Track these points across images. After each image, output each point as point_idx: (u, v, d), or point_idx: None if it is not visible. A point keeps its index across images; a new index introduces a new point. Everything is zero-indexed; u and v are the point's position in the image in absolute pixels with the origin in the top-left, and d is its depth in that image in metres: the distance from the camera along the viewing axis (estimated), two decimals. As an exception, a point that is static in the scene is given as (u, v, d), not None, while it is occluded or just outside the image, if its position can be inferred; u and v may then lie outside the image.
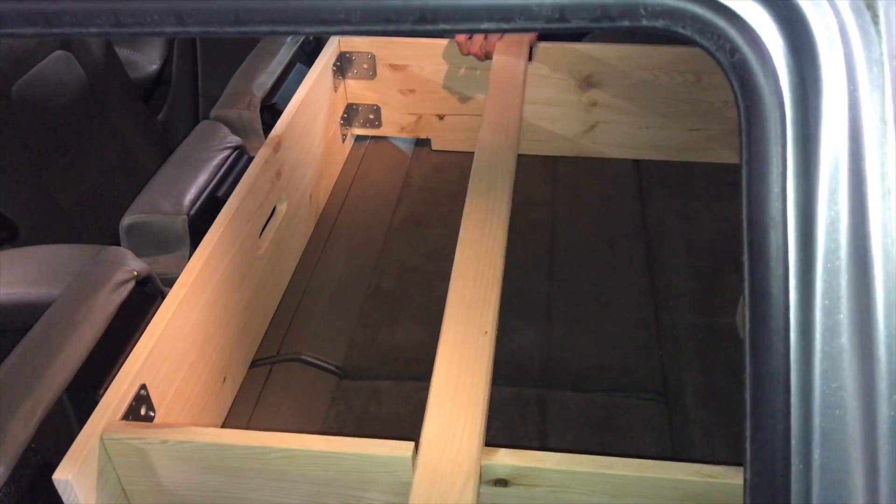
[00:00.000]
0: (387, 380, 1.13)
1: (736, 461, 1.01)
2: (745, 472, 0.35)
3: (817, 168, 0.31)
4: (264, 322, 1.19)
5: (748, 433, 0.34)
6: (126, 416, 0.81)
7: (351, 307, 1.24)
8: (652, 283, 1.26)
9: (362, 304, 1.25)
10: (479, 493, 0.72)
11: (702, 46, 0.34)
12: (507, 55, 1.39)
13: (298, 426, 1.05)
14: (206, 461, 0.77)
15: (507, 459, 0.73)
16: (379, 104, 1.56)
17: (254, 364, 1.14)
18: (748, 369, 0.34)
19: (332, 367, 1.14)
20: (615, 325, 1.19)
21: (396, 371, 1.14)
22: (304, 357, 1.15)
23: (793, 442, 0.33)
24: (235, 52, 1.63)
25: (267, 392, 1.10)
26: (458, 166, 1.55)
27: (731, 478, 0.69)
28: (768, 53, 0.31)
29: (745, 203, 0.34)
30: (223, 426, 1.05)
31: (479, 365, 0.82)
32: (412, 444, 0.75)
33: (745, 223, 0.34)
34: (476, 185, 1.08)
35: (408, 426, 1.04)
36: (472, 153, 1.54)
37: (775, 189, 0.32)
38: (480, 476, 0.73)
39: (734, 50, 0.32)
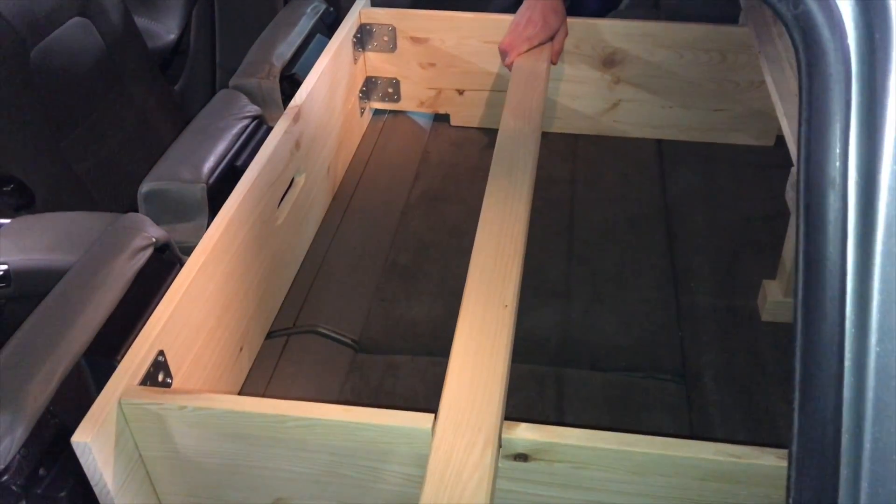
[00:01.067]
0: (403, 354, 1.12)
1: (756, 442, 1.00)
2: (791, 445, 0.34)
3: (883, 127, 0.30)
4: (281, 293, 1.19)
5: (796, 404, 0.33)
6: (144, 382, 0.80)
7: (367, 281, 1.23)
8: (672, 263, 1.24)
9: (379, 278, 1.24)
10: (497, 468, 0.71)
11: (762, -2, 0.32)
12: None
13: (314, 398, 1.04)
14: (224, 428, 0.77)
15: (527, 434, 0.72)
16: (398, 78, 1.54)
17: (270, 335, 1.14)
18: (799, 338, 0.33)
19: (349, 341, 1.14)
20: (635, 305, 1.18)
21: (413, 346, 1.13)
22: (320, 329, 1.14)
23: (844, 414, 0.32)
24: (254, 22, 1.62)
25: (283, 363, 1.09)
26: (476, 142, 1.53)
27: (756, 458, 0.68)
28: (836, 6, 0.30)
29: (802, 163, 0.32)
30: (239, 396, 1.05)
31: (499, 337, 0.82)
32: (432, 415, 0.75)
33: (800, 184, 0.33)
34: (498, 166, 1.06)
35: (423, 401, 1.04)
36: (492, 129, 1.53)
37: (836, 149, 0.31)
38: (500, 450, 0.72)
39: (798, 1, 0.30)
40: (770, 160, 1.45)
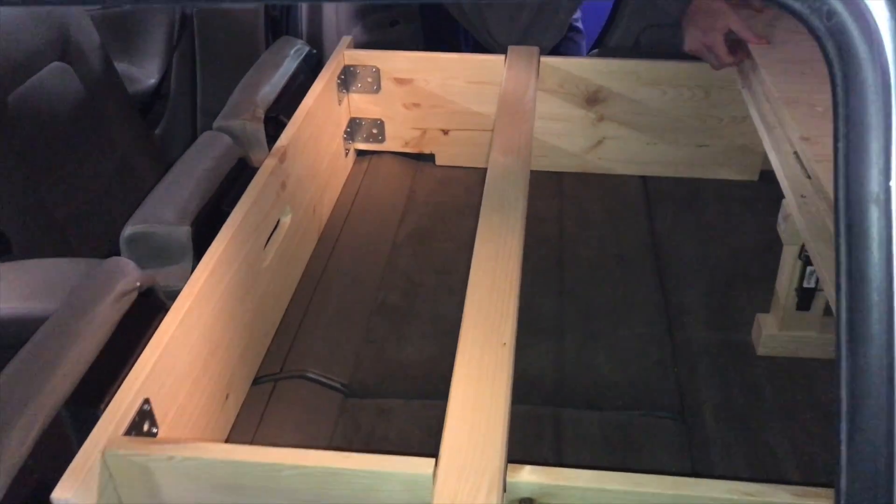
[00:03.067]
0: (395, 398, 1.09)
1: (759, 478, 0.98)
2: (838, 481, 0.32)
3: (926, 140, 0.29)
4: (267, 337, 1.16)
5: (844, 435, 0.31)
6: (129, 432, 0.77)
7: (356, 323, 1.20)
8: (664, 299, 1.23)
9: (368, 319, 1.21)
10: (502, 513, 0.68)
11: (791, 11, 0.31)
12: (516, 70, 1.37)
13: (303, 445, 1.00)
14: (215, 479, 0.73)
15: (532, 477, 0.69)
16: (382, 118, 1.53)
17: (257, 381, 1.10)
18: (844, 364, 0.31)
19: (338, 385, 1.11)
20: (629, 341, 1.16)
21: (405, 389, 1.10)
22: (308, 374, 1.11)
23: (896, 444, 0.30)
24: (235, 65, 1.61)
25: (270, 410, 1.06)
26: (462, 182, 1.52)
27: (770, 496, 0.66)
28: (871, 16, 0.29)
29: (840, 180, 0.31)
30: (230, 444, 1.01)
31: (498, 377, 0.79)
32: (432, 460, 0.72)
33: (840, 203, 0.31)
34: (489, 201, 1.05)
35: (418, 446, 1.01)
36: (478, 168, 1.53)
37: (878, 163, 0.29)
38: (504, 494, 0.69)
39: (831, 13, 0.29)
40: (755, 194, 1.45)
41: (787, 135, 1.03)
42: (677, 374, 1.11)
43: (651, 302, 1.23)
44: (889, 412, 0.30)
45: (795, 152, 0.99)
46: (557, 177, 1.52)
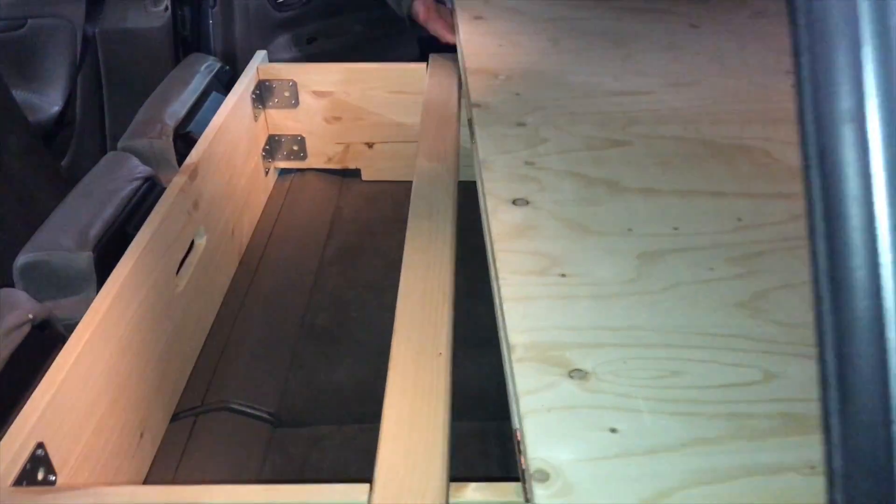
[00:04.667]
0: (328, 424, 1.01)
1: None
2: (830, 461, 0.27)
3: (905, 43, 0.24)
4: (185, 368, 1.07)
5: (834, 406, 0.26)
6: (19, 482, 0.67)
7: (283, 347, 1.12)
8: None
9: (295, 343, 1.13)
10: (447, 538, 0.62)
11: None
12: (438, 77, 1.33)
13: (230, 482, 0.92)
14: (121, 527, 0.64)
15: (478, 494, 0.63)
16: (303, 134, 1.47)
17: (175, 417, 1.01)
18: (827, 319, 0.26)
19: (265, 415, 1.02)
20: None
21: (338, 414, 1.03)
22: (232, 405, 1.03)
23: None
24: (144, 88, 1.52)
25: (192, 447, 0.97)
26: (390, 196, 1.46)
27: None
28: None
29: (807, 101, 0.26)
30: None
31: (436, 389, 0.73)
32: (366, 486, 0.65)
33: (808, 128, 0.26)
34: (417, 209, 1.00)
35: (356, 473, 0.93)
36: (406, 182, 1.47)
37: (848, 75, 0.25)
38: (448, 517, 0.63)
39: None
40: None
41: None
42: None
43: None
44: (883, 372, 0.25)
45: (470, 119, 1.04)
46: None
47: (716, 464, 0.55)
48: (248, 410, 1.02)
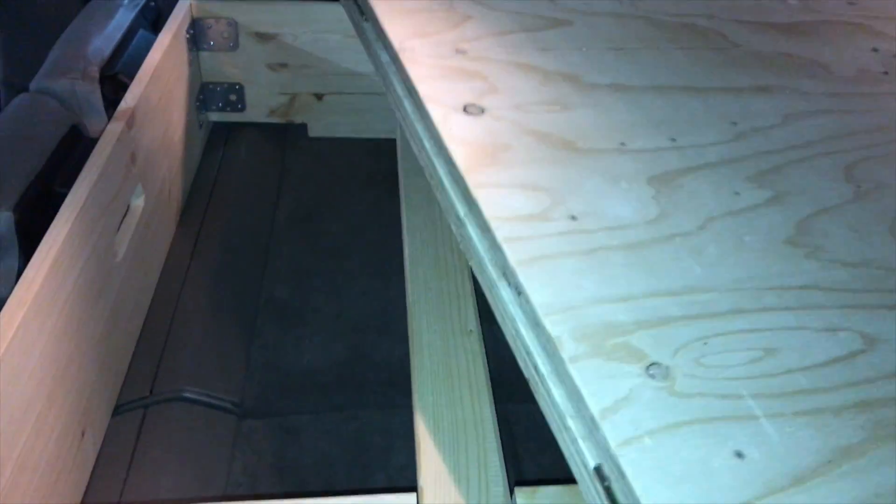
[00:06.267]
0: (301, 414, 0.88)
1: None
2: None
3: None
4: (128, 352, 0.90)
5: None
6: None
7: (241, 324, 0.97)
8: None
9: (255, 319, 0.99)
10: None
11: None
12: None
13: (194, 488, 0.77)
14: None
15: (553, 499, 0.52)
16: (242, 83, 1.29)
17: (119, 409, 0.85)
18: None
19: (228, 404, 0.88)
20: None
21: (313, 401, 0.90)
22: (186, 394, 0.87)
23: None
24: (47, 25, 1.30)
25: (143, 445, 0.81)
26: (344, 154, 1.32)
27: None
28: None
29: None
30: (85, 499, 0.76)
31: (473, 372, 0.61)
32: (412, 495, 0.53)
33: None
34: (408, 164, 0.86)
35: (345, 470, 0.81)
36: (359, 140, 1.33)
37: None
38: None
39: None
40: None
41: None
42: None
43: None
44: None
45: None
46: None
47: (879, 484, 0.44)
48: (207, 400, 0.87)
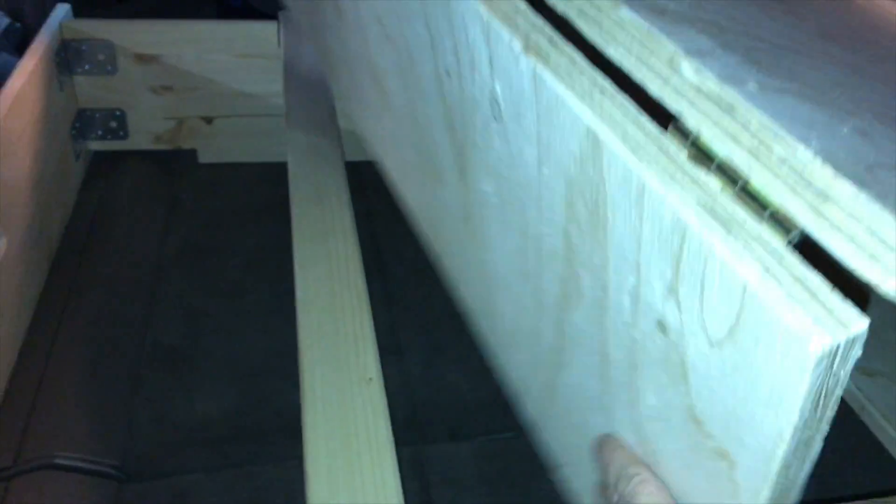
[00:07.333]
0: (193, 473, 0.80)
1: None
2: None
3: None
4: (-13, 417, 0.80)
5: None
6: None
7: (123, 376, 0.88)
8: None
9: (138, 369, 0.89)
10: None
11: None
12: (297, 34, 1.12)
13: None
14: None
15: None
16: (122, 108, 1.20)
17: (-23, 485, 0.74)
18: None
19: (107, 469, 0.78)
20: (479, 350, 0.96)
21: (205, 458, 0.81)
22: (58, 460, 0.77)
23: None
24: None
25: (6, 525, 0.71)
26: (236, 181, 1.24)
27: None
28: None
29: None
30: None
31: (373, 428, 0.55)
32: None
33: None
34: (301, 193, 0.80)
35: (242, 535, 0.73)
36: (253, 164, 1.25)
37: None
38: None
39: None
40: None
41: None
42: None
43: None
44: None
45: None
46: (360, 167, 1.29)
47: None
48: (83, 465, 0.78)
